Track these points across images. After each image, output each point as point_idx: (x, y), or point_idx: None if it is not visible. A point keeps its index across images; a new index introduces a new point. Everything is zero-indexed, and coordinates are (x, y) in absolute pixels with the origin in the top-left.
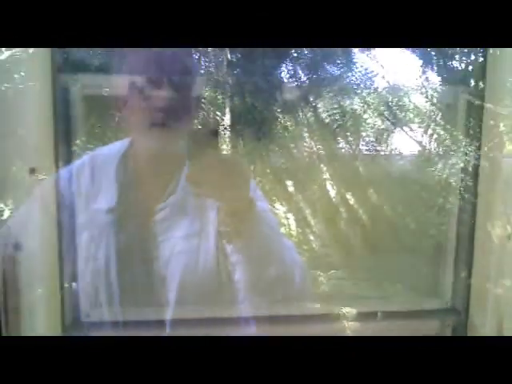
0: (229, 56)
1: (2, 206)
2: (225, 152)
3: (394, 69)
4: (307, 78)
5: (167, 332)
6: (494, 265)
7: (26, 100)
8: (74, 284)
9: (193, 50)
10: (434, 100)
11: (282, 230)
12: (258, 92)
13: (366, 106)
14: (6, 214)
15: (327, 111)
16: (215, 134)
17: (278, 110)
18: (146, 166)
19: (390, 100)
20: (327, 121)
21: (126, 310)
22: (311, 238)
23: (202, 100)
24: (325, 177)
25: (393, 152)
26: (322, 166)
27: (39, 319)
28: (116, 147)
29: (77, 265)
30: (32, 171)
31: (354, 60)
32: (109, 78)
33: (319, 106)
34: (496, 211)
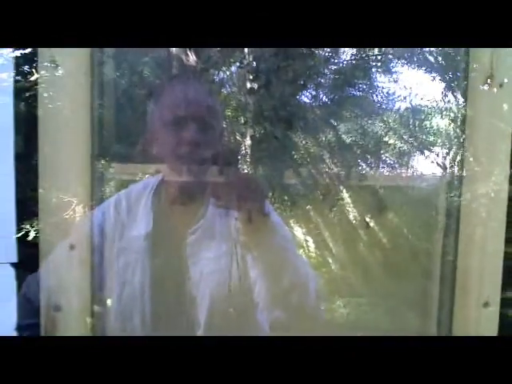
0: (248, 84)
1: (28, 226)
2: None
3: (417, 90)
4: (329, 100)
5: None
6: None
7: None
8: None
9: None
10: (458, 122)
11: (301, 252)
12: (278, 119)
13: (387, 128)
14: (32, 234)
15: (348, 133)
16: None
17: (299, 134)
18: (176, 195)
19: (411, 122)
20: (348, 142)
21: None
22: (330, 261)
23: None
24: (346, 201)
25: (414, 175)
26: (341, 188)
27: None
28: (149, 182)
29: (112, 291)
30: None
31: (376, 82)
32: (137, 166)
33: (340, 127)
34: None
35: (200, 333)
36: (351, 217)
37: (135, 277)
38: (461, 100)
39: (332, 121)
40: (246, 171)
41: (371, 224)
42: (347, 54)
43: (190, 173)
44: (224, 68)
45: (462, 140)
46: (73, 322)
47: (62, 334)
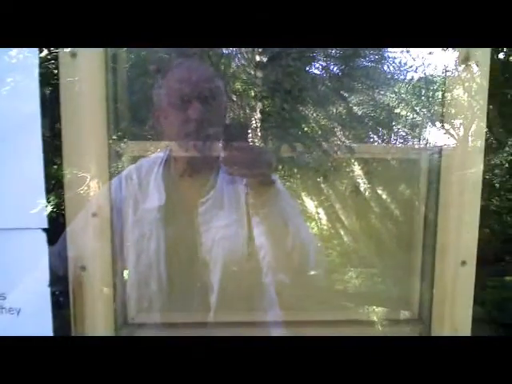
0: (257, 57)
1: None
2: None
3: (429, 61)
4: (339, 72)
5: (211, 316)
6: None
7: None
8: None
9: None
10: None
11: (314, 225)
12: (288, 91)
13: (399, 99)
14: (49, 209)
15: (360, 105)
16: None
17: (309, 106)
18: (185, 168)
19: (424, 93)
20: (359, 114)
21: (173, 297)
22: (342, 232)
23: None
24: (356, 172)
25: (427, 146)
26: (353, 160)
27: (99, 323)
28: (158, 155)
29: (128, 263)
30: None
31: (387, 53)
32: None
33: (351, 99)
34: None
35: (213, 296)
36: (362, 189)
37: (150, 247)
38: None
39: (343, 92)
40: (254, 143)
41: (383, 196)
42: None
43: (196, 149)
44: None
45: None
46: (97, 281)
47: (87, 291)
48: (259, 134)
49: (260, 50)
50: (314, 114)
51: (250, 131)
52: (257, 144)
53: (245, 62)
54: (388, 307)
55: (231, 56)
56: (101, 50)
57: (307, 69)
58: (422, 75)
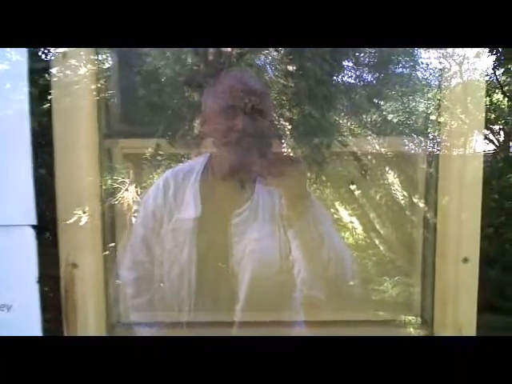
0: (286, 67)
1: (80, 212)
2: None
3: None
4: (373, 79)
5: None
6: None
7: None
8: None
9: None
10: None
11: (347, 235)
12: (319, 98)
13: (435, 105)
14: (84, 220)
15: (394, 112)
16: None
17: (342, 114)
18: (224, 177)
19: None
20: (394, 121)
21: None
22: (377, 242)
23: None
24: (391, 180)
25: (467, 153)
26: (387, 168)
27: (90, 322)
28: (195, 164)
29: (162, 268)
30: None
31: (422, 58)
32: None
33: (385, 107)
34: None
35: (239, 307)
36: (396, 196)
37: (183, 256)
38: None
39: (376, 100)
40: (288, 152)
41: (420, 204)
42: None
43: (238, 157)
44: (261, 53)
45: None
46: (89, 279)
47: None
48: (291, 143)
49: (291, 58)
50: (348, 123)
51: (283, 141)
52: (291, 154)
53: (277, 72)
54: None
55: (264, 65)
56: (91, 49)
57: (339, 77)
58: (460, 80)
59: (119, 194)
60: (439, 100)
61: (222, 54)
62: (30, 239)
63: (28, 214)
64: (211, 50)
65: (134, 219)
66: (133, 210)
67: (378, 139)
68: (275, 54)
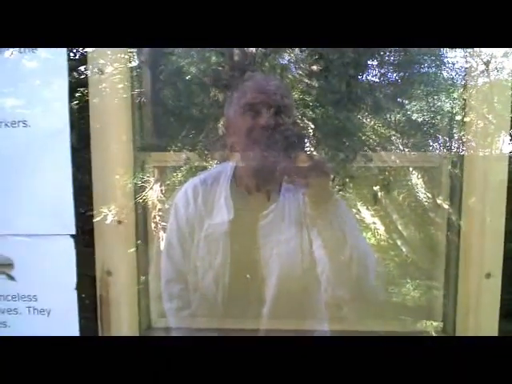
0: (311, 67)
1: (106, 211)
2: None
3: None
4: (398, 78)
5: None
6: None
7: None
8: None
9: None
10: None
11: (370, 235)
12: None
13: (462, 105)
14: (109, 218)
15: (418, 111)
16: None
17: (365, 114)
18: (250, 179)
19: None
20: (419, 121)
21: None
22: (399, 243)
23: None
24: (415, 181)
25: (493, 154)
26: (411, 169)
27: (123, 326)
28: (222, 170)
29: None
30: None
31: (448, 58)
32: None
33: (409, 106)
34: None
35: (265, 310)
36: (421, 199)
37: (217, 260)
38: None
39: (400, 99)
40: (311, 152)
41: (445, 206)
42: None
43: (262, 157)
44: (285, 53)
45: None
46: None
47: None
48: (315, 143)
49: (316, 57)
50: (372, 122)
51: (307, 141)
52: (314, 153)
53: (301, 71)
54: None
55: (288, 64)
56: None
57: (364, 76)
58: (487, 80)
59: (153, 208)
60: (465, 99)
61: (247, 54)
62: (69, 248)
63: (68, 224)
64: (236, 50)
65: (165, 229)
66: (164, 220)
67: (402, 139)
68: (299, 54)
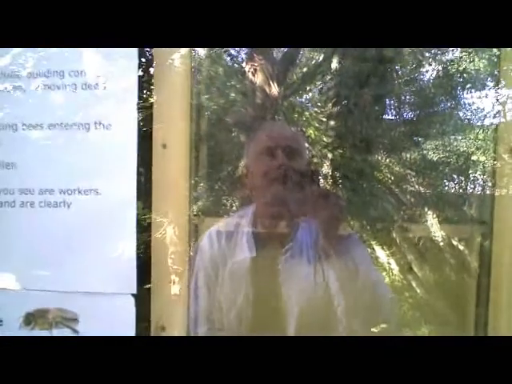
0: (329, 108)
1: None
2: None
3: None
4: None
5: None
6: None
7: None
8: None
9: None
10: None
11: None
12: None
13: (478, 145)
14: (173, 290)
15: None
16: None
17: (381, 154)
18: (270, 219)
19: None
20: (435, 160)
21: None
22: (414, 285)
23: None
24: (430, 221)
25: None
26: (426, 208)
27: None
28: (243, 214)
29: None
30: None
31: (463, 99)
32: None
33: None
34: None
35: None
36: (439, 240)
37: (239, 297)
38: None
39: (416, 139)
40: (326, 189)
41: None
42: (429, 73)
43: (279, 195)
44: (305, 95)
45: None
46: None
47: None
48: (330, 182)
49: (334, 100)
50: (387, 161)
51: (321, 178)
52: (328, 189)
53: (317, 109)
54: None
55: (304, 104)
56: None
57: (380, 115)
58: (503, 120)
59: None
60: (481, 140)
61: (268, 96)
62: (130, 306)
63: (129, 283)
64: (258, 93)
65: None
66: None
67: (417, 178)
68: (317, 96)
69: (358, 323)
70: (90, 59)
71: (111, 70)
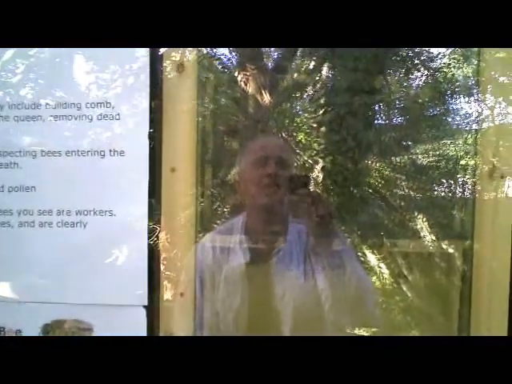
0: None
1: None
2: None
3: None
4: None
5: None
6: None
7: None
8: None
9: None
10: None
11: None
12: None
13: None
14: (180, 302)
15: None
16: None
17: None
18: (261, 224)
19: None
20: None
21: None
22: (404, 288)
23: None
24: (420, 225)
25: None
26: (416, 213)
27: None
28: (234, 221)
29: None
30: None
31: (452, 105)
32: None
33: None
34: None
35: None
36: (430, 246)
37: (235, 300)
38: None
39: (405, 143)
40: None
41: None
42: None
43: (271, 200)
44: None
45: None
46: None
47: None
48: (320, 187)
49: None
50: (377, 165)
51: (311, 181)
52: (318, 194)
53: (308, 114)
54: None
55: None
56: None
57: (370, 121)
58: (492, 124)
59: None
60: (470, 144)
61: (261, 105)
62: (141, 318)
63: (141, 295)
64: (251, 102)
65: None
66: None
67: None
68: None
69: (344, 316)
70: (105, 91)
71: (125, 102)
